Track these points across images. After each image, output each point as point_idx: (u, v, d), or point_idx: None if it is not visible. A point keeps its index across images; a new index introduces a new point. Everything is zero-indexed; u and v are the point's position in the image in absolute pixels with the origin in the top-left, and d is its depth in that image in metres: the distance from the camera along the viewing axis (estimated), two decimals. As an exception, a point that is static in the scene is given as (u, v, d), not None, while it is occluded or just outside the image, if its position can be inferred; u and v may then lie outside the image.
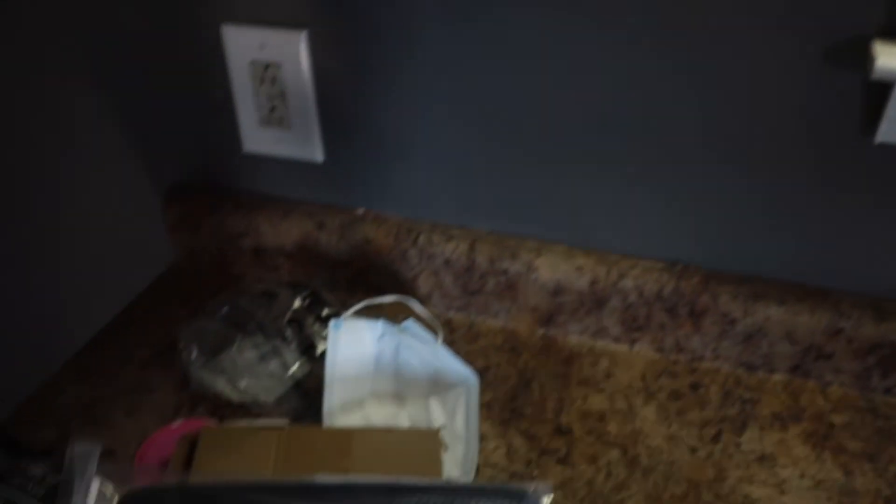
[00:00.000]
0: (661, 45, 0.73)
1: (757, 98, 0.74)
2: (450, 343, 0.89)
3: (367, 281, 0.94)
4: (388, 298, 0.79)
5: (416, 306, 0.81)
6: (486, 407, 0.82)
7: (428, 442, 0.74)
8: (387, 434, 0.75)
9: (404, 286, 0.92)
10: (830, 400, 0.83)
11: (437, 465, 0.72)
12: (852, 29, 0.68)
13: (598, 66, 0.76)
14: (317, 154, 0.90)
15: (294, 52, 0.83)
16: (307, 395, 0.83)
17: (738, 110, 0.75)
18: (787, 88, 0.73)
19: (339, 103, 0.87)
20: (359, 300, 0.83)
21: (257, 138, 0.91)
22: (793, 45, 0.70)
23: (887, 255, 0.79)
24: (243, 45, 0.85)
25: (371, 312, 0.82)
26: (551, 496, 0.58)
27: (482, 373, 0.84)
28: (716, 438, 0.79)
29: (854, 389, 0.83)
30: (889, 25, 0.67)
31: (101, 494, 0.56)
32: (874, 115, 0.71)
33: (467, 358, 0.85)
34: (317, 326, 0.85)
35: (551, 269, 0.87)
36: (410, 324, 0.78)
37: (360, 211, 0.93)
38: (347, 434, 0.74)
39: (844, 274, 0.81)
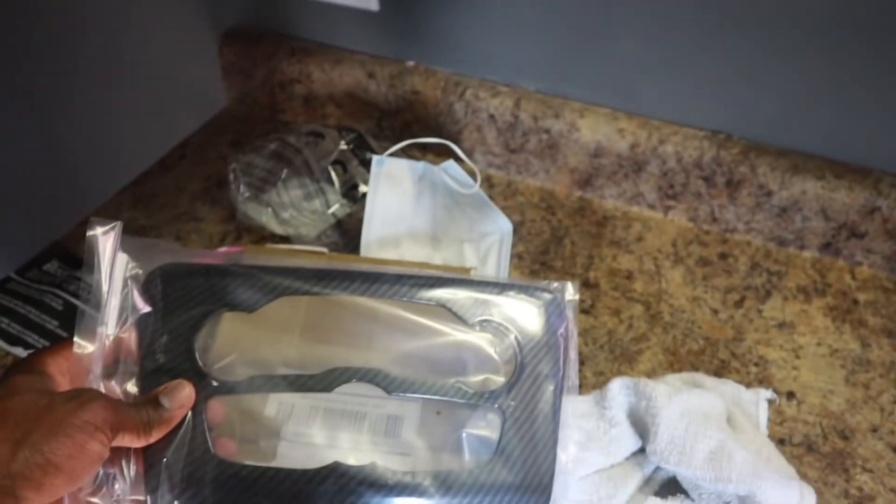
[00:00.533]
0: None
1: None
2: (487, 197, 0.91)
3: (412, 132, 0.96)
4: (431, 140, 0.81)
5: (458, 151, 0.83)
6: (517, 258, 0.85)
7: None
8: (419, 268, 0.78)
9: (449, 139, 0.94)
10: (858, 279, 0.84)
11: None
12: None
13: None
14: (373, 3, 0.91)
15: None
16: (346, 233, 0.86)
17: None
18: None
19: (397, -49, 0.88)
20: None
21: (315, -17, 0.93)
22: None
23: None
24: None
25: (413, 156, 0.84)
26: (577, 296, 0.59)
27: (517, 227, 0.87)
28: (739, 304, 0.81)
29: (883, 270, 0.84)
30: None
31: (126, 270, 0.53)
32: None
33: (504, 212, 0.87)
34: (360, 169, 0.87)
35: (593, 129, 0.88)
36: (451, 164, 0.80)
37: (411, 63, 0.95)
38: (383, 264, 0.78)
39: (887, 153, 0.81)
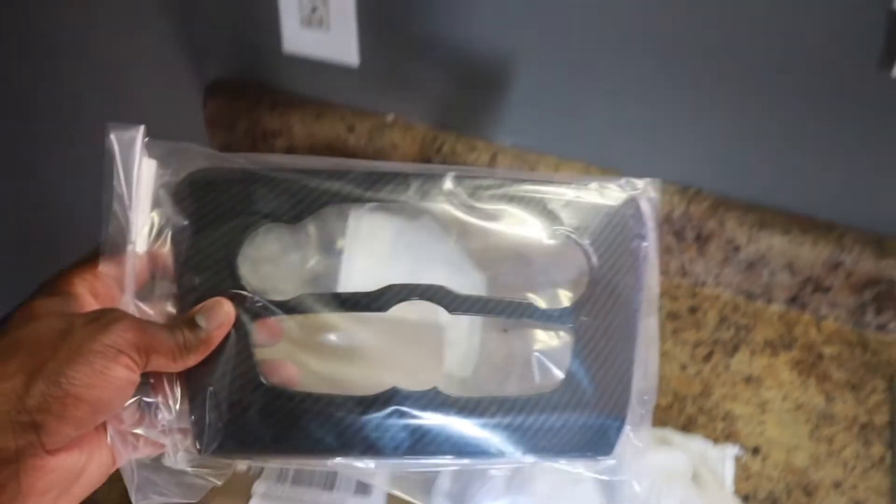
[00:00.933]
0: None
1: (776, 28, 0.75)
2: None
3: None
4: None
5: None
6: (491, 310, 0.87)
7: (430, 334, 0.79)
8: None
9: (426, 193, 0.96)
10: (823, 332, 0.86)
11: (439, 357, 0.77)
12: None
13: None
14: (353, 57, 0.93)
15: (335, -45, 0.86)
16: (322, 289, 0.88)
17: (758, 39, 0.76)
18: (806, 19, 0.74)
19: (377, 8, 0.90)
20: (380, 200, 0.87)
21: (297, 39, 0.95)
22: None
23: (882, 193, 0.81)
24: (287, -55, 0.88)
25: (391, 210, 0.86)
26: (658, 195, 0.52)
27: (491, 279, 0.89)
28: (707, 358, 0.83)
29: (848, 324, 0.86)
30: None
31: (155, 178, 0.47)
32: (892, 49, 0.73)
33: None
34: (336, 224, 0.89)
35: (566, 185, 0.90)
36: (427, 221, 0.81)
37: (390, 117, 0.97)
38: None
39: (851, 209, 0.83)
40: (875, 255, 0.82)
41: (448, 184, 0.53)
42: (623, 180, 0.51)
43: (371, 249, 0.83)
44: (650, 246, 0.51)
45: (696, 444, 0.73)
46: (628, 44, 0.81)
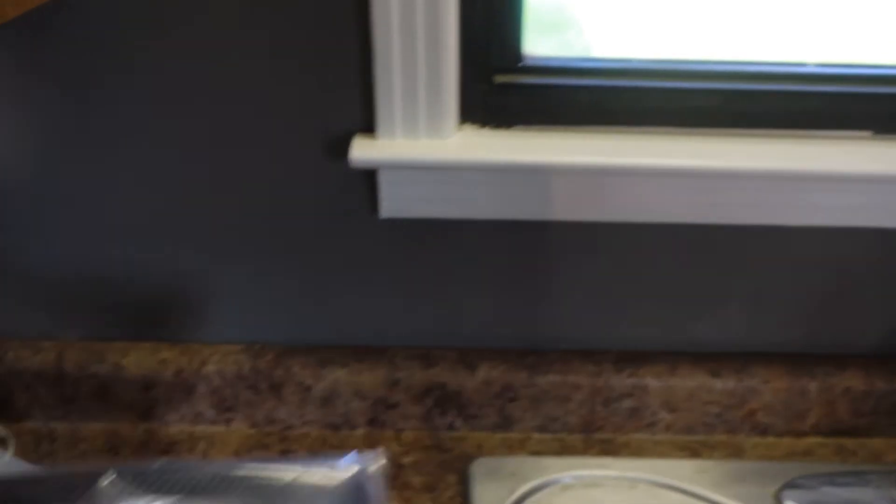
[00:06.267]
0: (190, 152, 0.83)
1: (282, 196, 0.85)
2: (51, 451, 0.91)
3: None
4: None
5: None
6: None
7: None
8: None
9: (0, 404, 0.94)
10: (404, 443, 0.94)
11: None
12: (342, 125, 0.82)
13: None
14: None
15: None
16: None
17: (271, 210, 0.86)
18: (302, 181, 0.85)
19: None
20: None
21: None
22: (295, 145, 0.83)
23: (425, 311, 0.92)
24: None
25: None
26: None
27: (79, 476, 0.88)
28: None
29: (423, 430, 0.95)
30: (367, 122, 0.81)
31: None
32: (375, 196, 0.85)
33: (72, 461, 0.88)
34: None
35: (138, 365, 0.92)
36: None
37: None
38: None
39: (398, 332, 0.94)
40: (423, 366, 0.92)
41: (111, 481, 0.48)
42: (346, 455, 0.51)
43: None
44: None
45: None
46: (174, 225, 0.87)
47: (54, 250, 0.89)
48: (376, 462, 0.52)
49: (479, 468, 0.89)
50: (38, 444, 0.91)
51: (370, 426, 0.95)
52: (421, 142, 0.82)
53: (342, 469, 0.50)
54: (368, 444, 0.94)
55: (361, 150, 0.80)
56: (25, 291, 0.92)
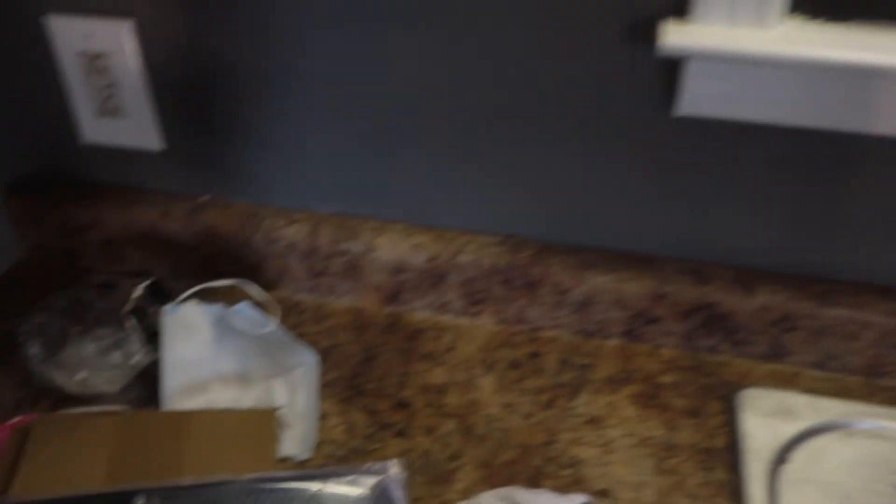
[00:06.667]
0: (459, 30, 0.76)
1: (567, 86, 0.77)
2: (298, 324, 0.90)
3: (214, 267, 0.94)
4: (222, 283, 0.80)
5: (253, 289, 0.82)
6: (329, 385, 0.84)
7: (264, 421, 0.76)
8: (223, 415, 0.76)
9: (252, 271, 0.93)
10: (661, 361, 0.87)
11: (272, 443, 0.74)
12: (649, 6, 0.72)
13: (417, 57, 0.78)
14: (154, 143, 0.90)
15: (120, 42, 0.83)
16: (153, 381, 0.83)
17: (552, 98, 0.78)
18: (594, 68, 0.76)
19: (175, 93, 0.87)
20: (203, 287, 0.84)
21: (95, 129, 0.90)
22: (593, 24, 0.74)
23: (703, 222, 0.83)
24: (69, 36, 0.84)
25: (210, 297, 0.83)
26: (403, 473, 0.54)
27: (328, 352, 0.86)
28: (550, 404, 0.82)
29: (681, 350, 0.88)
30: (677, 4, 0.71)
31: None
32: (671, 90, 0.75)
33: (315, 338, 0.87)
34: (159, 315, 0.85)
35: (391, 247, 0.88)
36: (243, 307, 0.79)
37: (205, 198, 0.94)
38: (184, 416, 0.75)
39: (668, 240, 0.85)
40: (694, 282, 0.84)
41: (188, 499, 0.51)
42: (367, 466, 0.52)
43: (189, 340, 0.79)
44: None
45: (543, 498, 0.72)
46: (435, 107, 0.81)
47: (313, 122, 0.85)
48: (397, 472, 0.53)
49: (747, 399, 0.81)
50: (285, 316, 0.90)
51: (625, 338, 0.89)
52: (741, 30, 0.71)
53: (365, 480, 0.52)
54: (622, 356, 0.87)
55: (674, 36, 0.70)
56: (283, 161, 0.89)
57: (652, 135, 0.79)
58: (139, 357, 0.84)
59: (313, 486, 0.50)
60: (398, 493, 0.52)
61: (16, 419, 0.78)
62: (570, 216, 0.86)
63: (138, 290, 0.85)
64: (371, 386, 0.84)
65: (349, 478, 0.51)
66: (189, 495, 0.50)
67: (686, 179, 0.81)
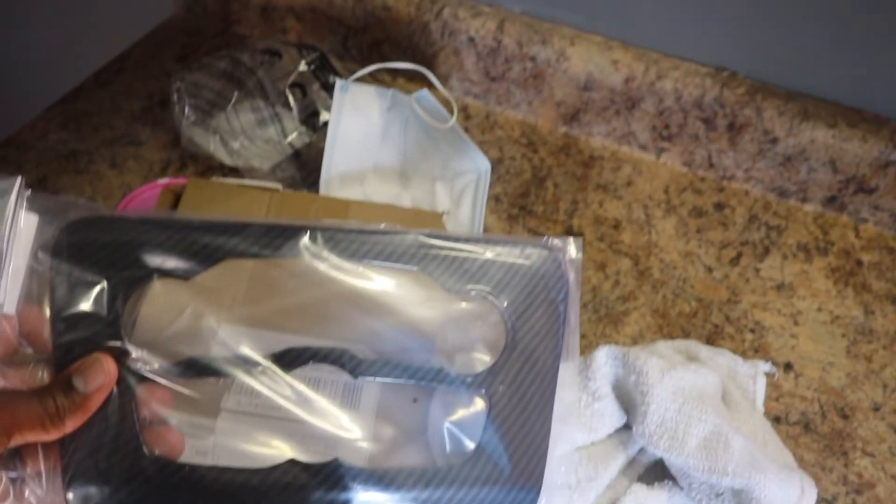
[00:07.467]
0: None
1: None
2: (464, 130, 0.82)
3: (381, 52, 0.86)
4: (403, 65, 0.72)
5: (434, 79, 0.73)
6: (494, 199, 0.77)
7: (431, 225, 0.69)
8: (387, 210, 0.70)
9: (421, 63, 0.84)
10: (862, 237, 0.77)
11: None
12: None
13: None
14: None
15: None
16: (305, 165, 0.77)
17: None
18: None
19: None
20: (370, 70, 0.76)
21: None
22: None
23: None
24: None
25: (383, 82, 0.75)
26: (580, 255, 0.49)
27: (495, 164, 0.78)
28: (735, 261, 0.74)
29: (890, 230, 0.77)
30: None
31: (35, 234, 0.42)
32: None
33: (480, 147, 0.79)
34: (322, 93, 0.78)
35: (584, 59, 0.78)
36: (424, 94, 0.70)
37: (382, -26, 0.84)
38: (343, 204, 0.69)
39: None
40: (931, 152, 0.72)
41: (354, 240, 0.47)
42: (543, 239, 0.48)
43: (357, 123, 0.72)
44: (571, 308, 0.48)
45: (725, 360, 0.65)
46: None
47: None
48: (575, 248, 0.48)
49: (962, 295, 0.72)
50: (452, 118, 0.82)
51: (826, 205, 0.79)
52: None
53: (539, 251, 0.48)
54: (817, 224, 0.78)
55: None
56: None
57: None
58: (294, 136, 0.77)
59: (488, 253, 0.47)
60: (573, 270, 0.48)
61: (166, 179, 0.73)
62: (795, 56, 0.74)
63: (303, 64, 0.78)
64: (539, 208, 0.76)
65: (526, 249, 0.48)
66: (356, 239, 0.47)
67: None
